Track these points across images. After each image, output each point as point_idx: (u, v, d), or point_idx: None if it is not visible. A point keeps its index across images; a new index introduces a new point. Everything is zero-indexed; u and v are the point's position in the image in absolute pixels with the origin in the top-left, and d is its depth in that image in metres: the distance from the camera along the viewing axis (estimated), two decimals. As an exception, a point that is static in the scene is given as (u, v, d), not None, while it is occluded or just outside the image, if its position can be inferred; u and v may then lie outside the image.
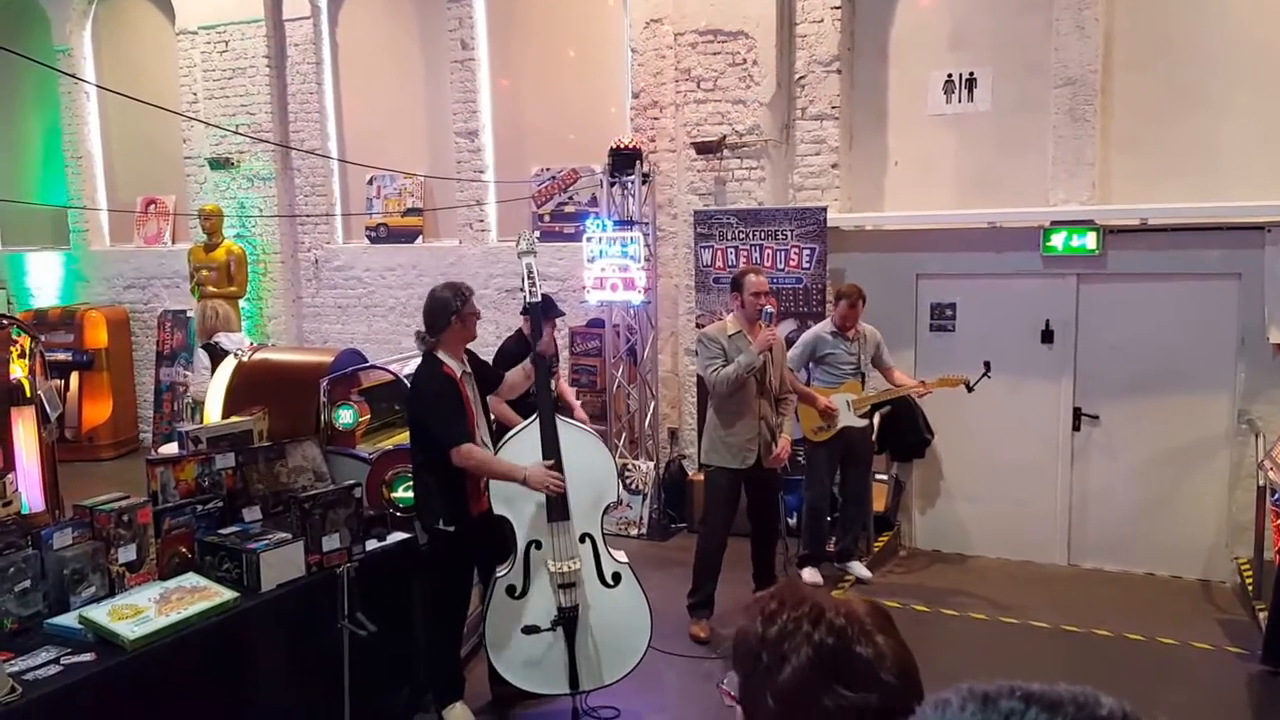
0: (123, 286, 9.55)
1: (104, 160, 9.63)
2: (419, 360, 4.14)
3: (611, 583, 4.03)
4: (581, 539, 3.98)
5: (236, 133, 8.14)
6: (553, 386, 4.44)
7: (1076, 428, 6.17)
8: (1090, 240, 5.94)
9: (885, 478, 6.40)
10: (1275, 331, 5.59)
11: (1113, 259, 5.98)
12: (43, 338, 6.49)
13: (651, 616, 4.09)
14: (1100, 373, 6.09)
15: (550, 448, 3.89)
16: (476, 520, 4.00)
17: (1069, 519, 6.18)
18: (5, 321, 6.12)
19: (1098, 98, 5.96)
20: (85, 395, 9.17)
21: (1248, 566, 5.62)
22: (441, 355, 3.97)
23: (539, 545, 3.95)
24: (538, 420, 3.94)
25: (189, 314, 8.99)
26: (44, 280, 9.91)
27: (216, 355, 5.98)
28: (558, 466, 3.87)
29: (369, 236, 8.50)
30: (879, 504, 6.28)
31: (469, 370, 4.06)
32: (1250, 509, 5.60)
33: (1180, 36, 5.80)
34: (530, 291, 4.06)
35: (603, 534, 4.05)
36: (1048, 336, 6.20)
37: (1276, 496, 4.94)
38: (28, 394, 5.91)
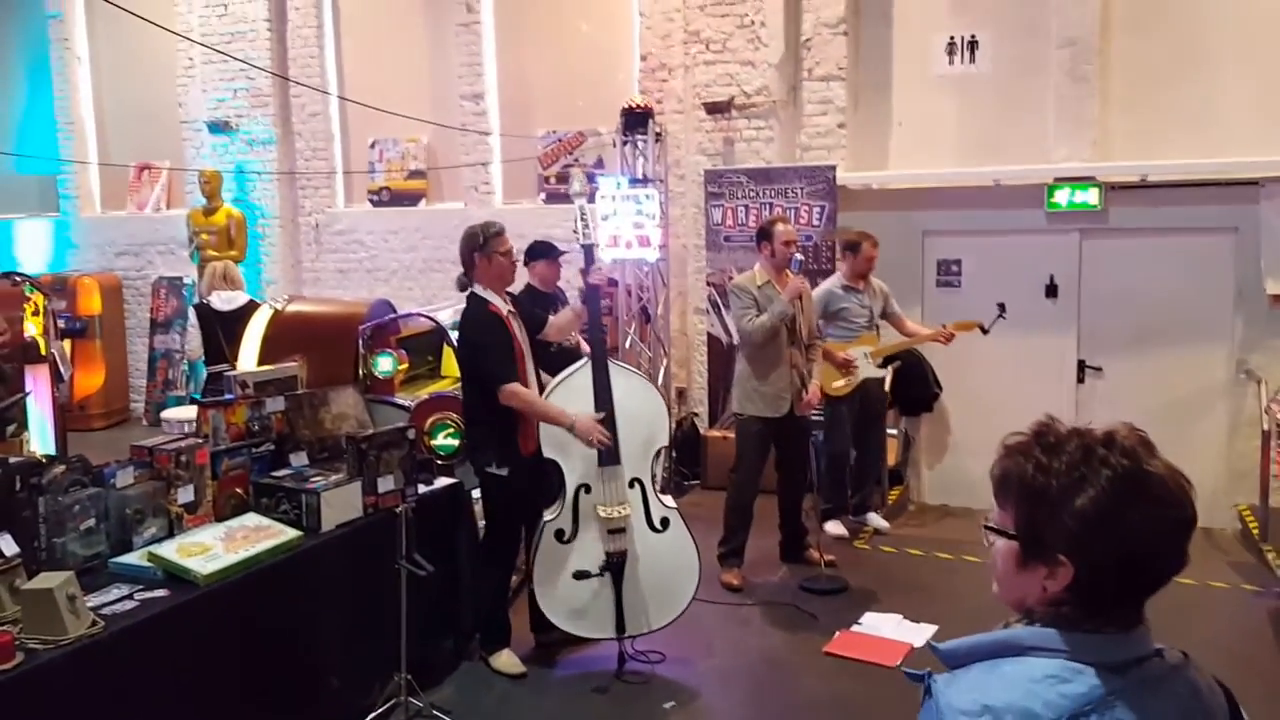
0: (115, 254, 9.45)
1: (96, 126, 9.49)
2: (462, 305, 4.15)
3: (660, 528, 4.06)
4: (631, 484, 4.01)
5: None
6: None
7: (1081, 380, 6.36)
8: (1092, 196, 6.11)
9: (895, 432, 6.54)
10: (1271, 283, 5.79)
11: (1114, 215, 6.15)
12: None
13: (700, 563, 4.14)
14: (1103, 326, 6.28)
15: (603, 399, 3.91)
16: (525, 463, 4.01)
17: (1072, 469, 6.37)
18: (19, 279, 6.08)
19: (1097, 58, 6.10)
20: (77, 363, 9.04)
21: (1249, 512, 5.85)
22: (485, 295, 3.97)
23: (588, 490, 3.97)
24: (589, 364, 3.97)
25: (185, 280, 8.94)
26: (33, 248, 9.77)
27: (207, 315, 5.94)
28: (609, 419, 3.90)
29: (371, 200, 8.48)
30: (890, 458, 6.43)
31: (513, 310, 4.06)
32: (1248, 457, 5.81)
33: (1179, -3, 5.96)
34: (584, 233, 4.08)
35: (652, 478, 4.07)
36: (1052, 291, 6.37)
37: (1282, 438, 5.15)
38: (42, 351, 5.89)
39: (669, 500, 4.17)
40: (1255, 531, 5.64)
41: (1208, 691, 1.17)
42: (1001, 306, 5.67)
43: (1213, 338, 6.03)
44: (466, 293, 4.05)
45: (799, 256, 4.90)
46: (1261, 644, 4.43)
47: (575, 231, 4.13)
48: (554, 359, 4.53)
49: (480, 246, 3.94)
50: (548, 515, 4.02)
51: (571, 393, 3.95)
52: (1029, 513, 1.13)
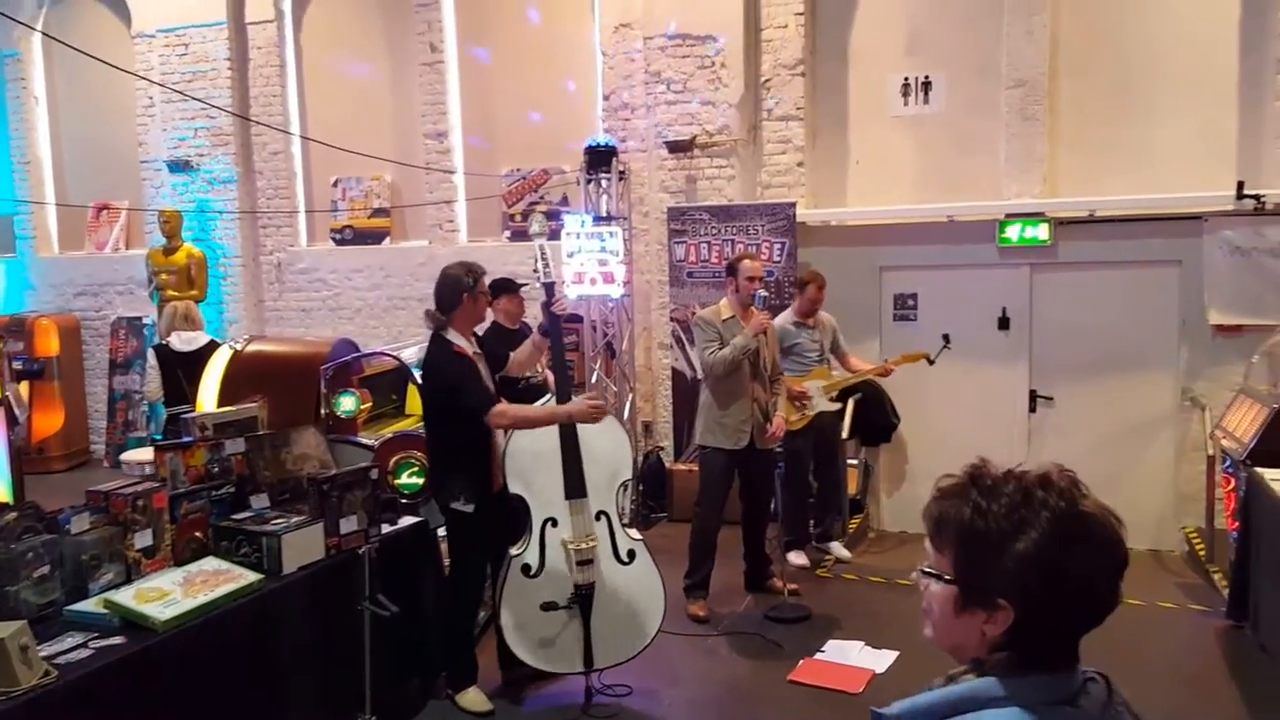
0: (73, 294, 9.34)
1: (53, 165, 9.42)
2: (426, 344, 4.18)
3: (627, 560, 4.10)
4: (597, 516, 4.06)
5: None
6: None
7: (1032, 409, 6.53)
8: (1042, 232, 6.32)
9: (855, 462, 6.66)
10: (1214, 314, 6.02)
11: (1063, 249, 6.36)
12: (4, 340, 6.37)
13: (666, 593, 4.18)
14: (1054, 356, 6.46)
15: (567, 431, 3.98)
16: (492, 500, 4.04)
17: (1028, 496, 6.51)
18: (-26, 321, 5.99)
19: (1045, 99, 6.34)
20: (36, 405, 8.91)
21: (1195, 534, 6.02)
22: (450, 336, 4.01)
23: (555, 523, 4.01)
24: (554, 398, 4.06)
25: (145, 320, 8.85)
26: (-13, 289, 9.63)
27: (166, 356, 5.89)
28: (574, 448, 3.96)
29: (334, 238, 8.49)
30: (851, 487, 6.53)
31: (478, 351, 4.11)
32: (1194, 480, 6.00)
33: (1122, 40, 6.22)
34: (544, 271, 4.15)
35: (618, 512, 4.13)
36: (1004, 323, 6.55)
37: (1228, 464, 5.32)
38: (-1, 393, 5.79)
39: (634, 533, 4.22)
40: (1202, 553, 5.81)
41: (1131, 710, 1.20)
42: (946, 338, 5.86)
43: (1159, 366, 6.24)
44: (432, 333, 4.07)
45: (763, 292, 5.01)
46: (1208, 663, 4.55)
47: (535, 270, 4.21)
48: (521, 395, 4.58)
49: (469, 289, 3.99)
50: (514, 550, 4.03)
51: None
52: (968, 556, 1.13)
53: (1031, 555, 1.08)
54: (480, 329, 4.36)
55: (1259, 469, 4.67)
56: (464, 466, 3.99)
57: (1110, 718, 1.14)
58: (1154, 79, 6.17)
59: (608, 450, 4.09)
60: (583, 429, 4.01)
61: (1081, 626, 1.13)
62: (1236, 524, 4.98)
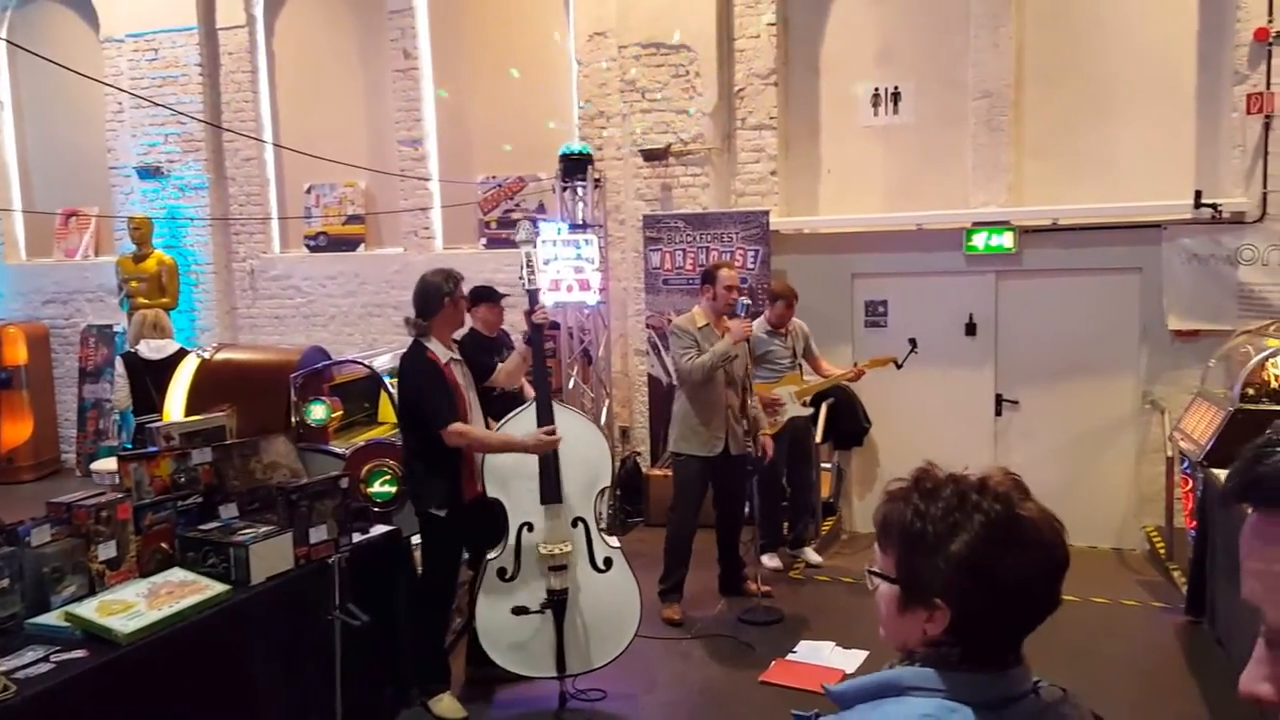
0: (41, 301, 9.24)
1: (20, 171, 9.31)
2: (402, 350, 4.22)
3: (603, 567, 4.12)
4: (574, 523, 4.09)
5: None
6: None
7: (999, 413, 6.68)
8: (1008, 240, 6.47)
9: (828, 466, 6.77)
10: (1173, 319, 6.20)
11: (1028, 257, 6.51)
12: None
13: (642, 602, 4.21)
14: (1019, 362, 6.62)
15: (545, 415, 4.00)
16: (469, 505, 4.08)
17: (995, 498, 6.66)
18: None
19: (1011, 109, 6.49)
20: (4, 415, 8.82)
21: (1155, 533, 6.19)
22: (429, 343, 4.05)
23: (531, 528, 4.05)
24: (534, 406, 4.08)
25: (115, 328, 8.77)
26: (-48, 296, 9.49)
27: (135, 364, 5.87)
28: (552, 456, 3.99)
29: (308, 245, 8.47)
30: (824, 490, 6.64)
31: (458, 357, 4.15)
32: (1154, 481, 6.17)
33: (1085, 53, 6.38)
34: (529, 278, 4.19)
35: (596, 519, 4.16)
36: (971, 329, 6.70)
37: (1186, 465, 5.49)
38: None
39: (613, 540, 4.25)
40: (1162, 551, 5.98)
41: None
42: (913, 342, 5.99)
43: (1120, 371, 6.41)
44: (413, 340, 4.11)
45: (745, 300, 5.09)
46: (1168, 659, 4.71)
47: (521, 277, 4.25)
48: (495, 404, 4.61)
49: (449, 293, 4.04)
50: (491, 554, 4.08)
51: (517, 427, 4.07)
52: (908, 557, 1.16)
53: (964, 557, 1.11)
54: (458, 334, 4.40)
55: (1215, 470, 4.82)
56: (437, 472, 4.03)
57: (1054, 717, 1.15)
58: (1115, 90, 6.34)
59: (587, 457, 4.11)
60: (565, 436, 4.04)
61: (1018, 628, 1.14)
62: (1194, 523, 5.13)
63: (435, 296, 4.03)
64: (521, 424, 4.08)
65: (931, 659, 1.15)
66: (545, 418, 4.02)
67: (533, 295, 4.21)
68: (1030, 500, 1.15)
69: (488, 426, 4.24)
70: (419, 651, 4.19)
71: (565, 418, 4.13)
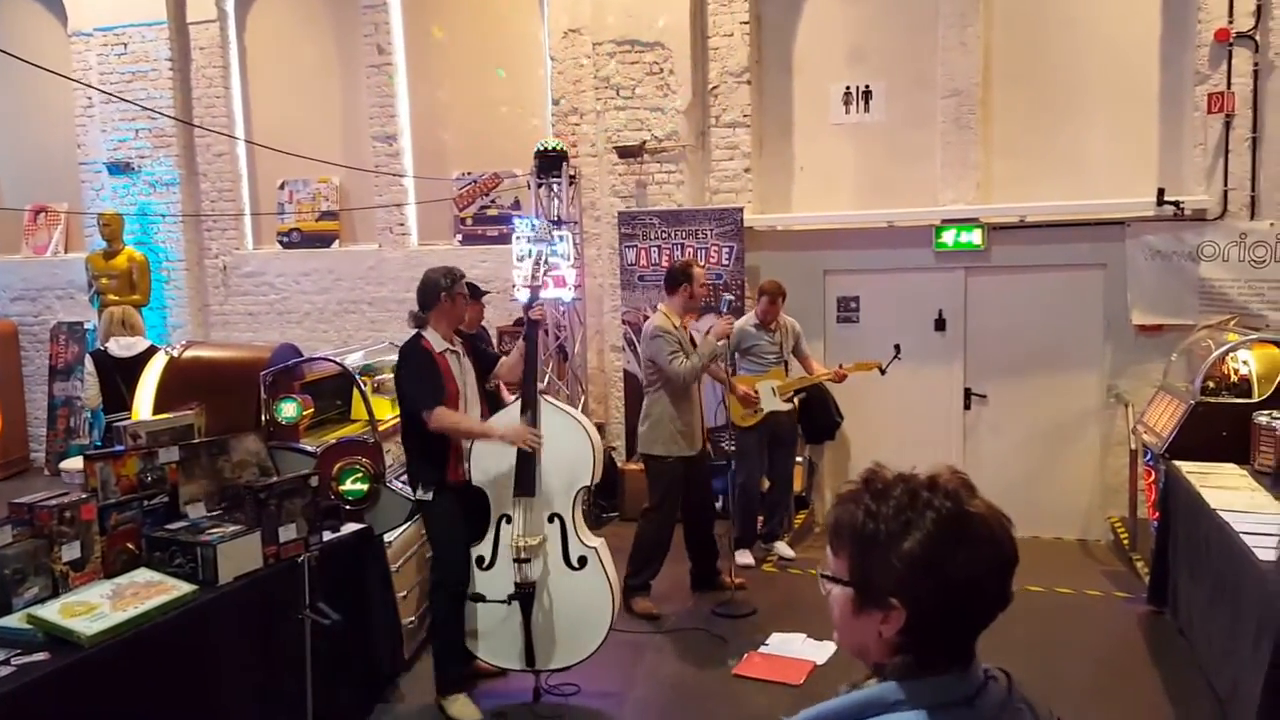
0: (9, 299, 9.12)
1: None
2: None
3: (577, 566, 4.11)
4: (550, 519, 4.11)
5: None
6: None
7: (967, 407, 6.80)
8: (976, 237, 6.57)
9: (801, 460, 6.84)
10: (1137, 314, 6.34)
11: (996, 253, 6.62)
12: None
13: (615, 605, 4.19)
14: (987, 356, 6.74)
15: (528, 405, 4.05)
16: (454, 489, 4.13)
17: (964, 490, 6.76)
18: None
19: (979, 108, 6.60)
20: (-30, 413, 8.70)
21: (1120, 524, 6.33)
22: (426, 333, 4.15)
23: (509, 520, 4.11)
24: (518, 399, 4.13)
25: (86, 325, 8.69)
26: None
27: (105, 362, 5.83)
28: (535, 423, 4.03)
29: (281, 241, 8.44)
30: (797, 484, 6.71)
31: (455, 350, 4.21)
32: (1119, 473, 6.31)
33: (1051, 52, 6.50)
34: (538, 276, 4.25)
35: (574, 517, 4.14)
36: (940, 325, 6.80)
37: (1149, 457, 5.61)
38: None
39: (592, 540, 4.22)
40: (1126, 542, 6.11)
41: (1047, 715, 1.23)
42: (897, 348, 6.06)
43: (1085, 365, 6.54)
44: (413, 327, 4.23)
45: (729, 296, 5.17)
46: (1131, 648, 4.82)
47: (529, 274, 4.32)
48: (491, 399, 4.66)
49: (447, 289, 4.13)
50: (476, 543, 4.16)
51: (505, 421, 4.12)
52: (860, 559, 1.16)
53: (917, 555, 1.11)
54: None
55: (1177, 462, 4.95)
56: (425, 456, 4.10)
57: (1008, 716, 1.17)
58: (1081, 89, 6.45)
59: (568, 454, 4.10)
60: (548, 431, 4.07)
61: (972, 625, 1.15)
62: (1157, 514, 5.25)
63: (434, 291, 4.14)
64: (507, 416, 4.13)
65: (899, 670, 1.15)
66: (529, 412, 4.06)
67: (534, 293, 4.28)
68: (978, 498, 1.16)
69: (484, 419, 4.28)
70: (433, 646, 4.26)
71: (552, 413, 4.15)
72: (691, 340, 5.23)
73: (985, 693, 1.16)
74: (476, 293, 5.40)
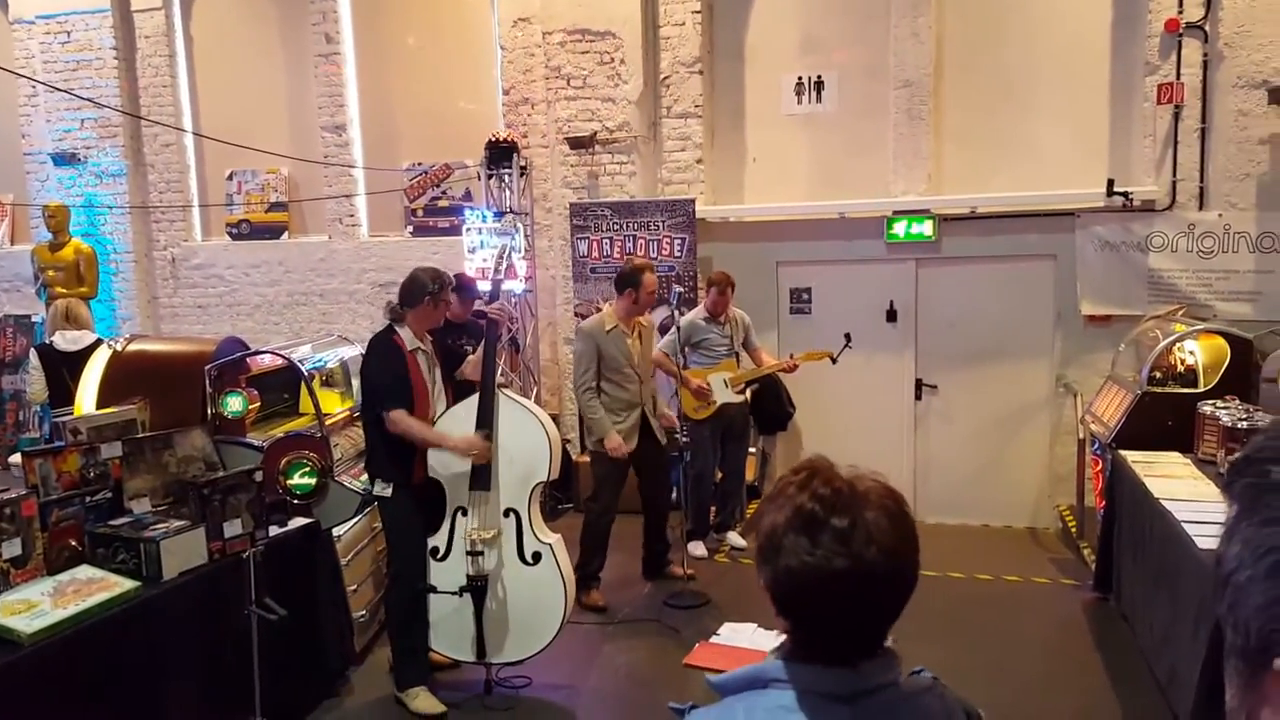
0: (-48, 292, 8.90)
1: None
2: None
3: (531, 561, 4.11)
4: (506, 513, 4.10)
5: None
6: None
7: (918, 397, 6.82)
8: (927, 228, 6.59)
9: (753, 450, 6.84)
10: (1086, 305, 6.38)
11: (946, 244, 6.64)
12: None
13: (568, 601, 4.18)
14: (938, 347, 6.76)
15: (484, 419, 4.03)
16: (417, 486, 4.10)
17: (914, 479, 6.80)
18: None
19: (931, 98, 6.60)
20: (-88, 409, 8.49)
21: (1068, 512, 6.38)
22: (399, 328, 4.10)
23: (465, 512, 4.10)
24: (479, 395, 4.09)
25: (34, 318, 8.50)
26: None
27: (51, 356, 5.73)
28: (490, 438, 4.02)
29: (230, 233, 8.30)
30: (749, 474, 6.71)
31: (425, 349, 4.18)
32: (1067, 462, 6.36)
33: (1003, 42, 6.51)
34: (499, 269, 4.26)
35: (530, 512, 4.12)
36: (892, 316, 6.82)
37: (1096, 446, 5.66)
38: None
39: (548, 536, 4.19)
40: (1074, 530, 6.16)
41: (943, 716, 1.23)
42: (848, 337, 6.06)
43: (1035, 355, 6.58)
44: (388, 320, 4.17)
45: (679, 289, 5.19)
46: (1076, 634, 4.86)
47: (493, 267, 4.34)
48: (460, 390, 4.60)
49: (433, 293, 4.10)
50: (431, 534, 4.15)
51: (456, 421, 4.09)
52: (761, 570, 1.20)
53: (763, 535, 1.18)
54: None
55: (1123, 451, 4.99)
56: (388, 450, 4.06)
57: (910, 709, 1.18)
58: (1032, 80, 6.48)
59: (525, 449, 4.09)
60: (504, 427, 4.06)
61: (834, 625, 1.16)
62: (1103, 502, 5.30)
63: (419, 293, 4.10)
64: (460, 412, 4.11)
65: (783, 649, 1.19)
66: (486, 407, 4.02)
67: (497, 288, 4.28)
68: (876, 513, 1.12)
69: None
70: (390, 639, 4.25)
71: (510, 408, 4.12)
72: (639, 334, 5.26)
73: (873, 699, 1.15)
74: (473, 293, 5.38)
